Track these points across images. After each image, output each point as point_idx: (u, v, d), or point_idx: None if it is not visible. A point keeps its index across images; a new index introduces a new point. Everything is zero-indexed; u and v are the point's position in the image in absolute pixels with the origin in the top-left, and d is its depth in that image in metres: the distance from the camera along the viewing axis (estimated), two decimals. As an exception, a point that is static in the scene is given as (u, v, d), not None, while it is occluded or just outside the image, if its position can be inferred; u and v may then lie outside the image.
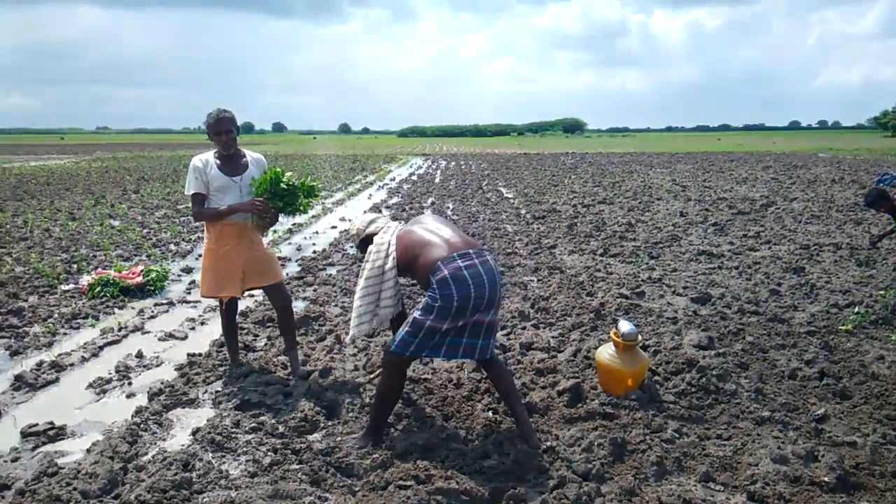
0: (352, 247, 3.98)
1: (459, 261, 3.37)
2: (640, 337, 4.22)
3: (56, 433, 3.84)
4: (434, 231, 3.60)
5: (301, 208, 4.42)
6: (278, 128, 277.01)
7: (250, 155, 4.54)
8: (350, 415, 3.94)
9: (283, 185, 4.28)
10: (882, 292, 6.48)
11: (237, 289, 4.47)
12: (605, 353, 4.22)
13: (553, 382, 4.37)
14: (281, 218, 4.65)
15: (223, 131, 4.30)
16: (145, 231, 11.00)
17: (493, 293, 3.46)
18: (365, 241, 3.90)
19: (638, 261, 8.33)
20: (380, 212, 12.79)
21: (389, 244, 3.66)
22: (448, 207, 14.07)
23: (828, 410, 3.97)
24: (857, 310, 5.91)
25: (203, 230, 4.69)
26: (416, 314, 3.41)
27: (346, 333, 5.37)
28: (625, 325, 4.17)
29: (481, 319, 3.48)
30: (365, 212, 4.37)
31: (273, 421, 3.84)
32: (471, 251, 3.45)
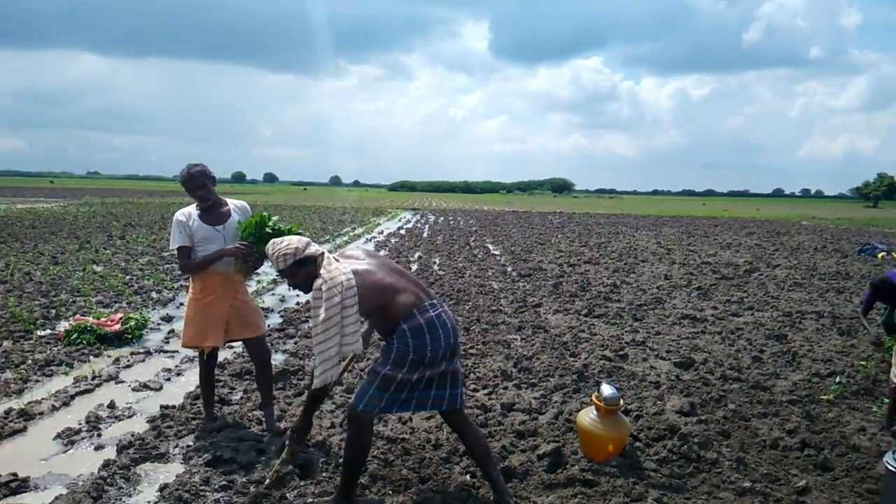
0: (274, 267, 3.48)
1: (431, 310, 3.36)
2: (622, 401, 4.18)
3: (19, 485, 3.71)
4: (396, 274, 3.50)
5: None
6: (270, 178, 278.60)
7: (233, 203, 4.57)
8: (324, 474, 3.83)
9: (268, 230, 4.26)
10: (863, 363, 6.49)
11: (220, 339, 4.42)
12: (587, 417, 4.16)
13: (533, 446, 4.30)
14: (266, 265, 4.64)
15: (196, 186, 4.34)
16: (128, 277, 10.90)
17: (457, 341, 3.47)
18: (299, 264, 3.43)
19: (622, 322, 8.33)
20: None
21: (344, 275, 3.30)
22: (435, 262, 14.09)
23: (809, 482, 3.92)
24: (838, 379, 5.90)
25: (187, 280, 4.67)
26: (386, 369, 3.30)
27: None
28: (607, 389, 4.13)
29: (446, 369, 3.44)
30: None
31: (244, 479, 3.74)
32: (435, 300, 3.46)
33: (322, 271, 3.36)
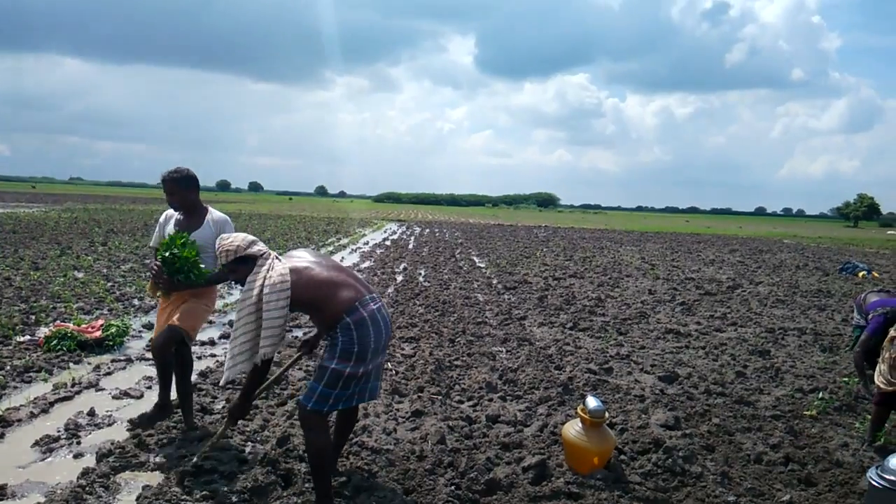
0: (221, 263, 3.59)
1: (371, 304, 3.45)
2: (607, 414, 4.18)
3: (-6, 494, 3.63)
4: (336, 270, 3.57)
5: (190, 279, 4.19)
6: (255, 187, 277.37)
7: (214, 215, 4.49)
8: (307, 485, 3.79)
9: (168, 253, 4.16)
10: (846, 379, 6.54)
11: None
12: (572, 429, 4.16)
13: (518, 458, 4.28)
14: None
15: (167, 192, 4.34)
16: (109, 284, 10.77)
17: (389, 334, 3.60)
18: (240, 261, 3.55)
19: (606, 336, 8.34)
20: None
21: (279, 276, 3.36)
22: (420, 274, 14.07)
23: (793, 497, 3.93)
24: (821, 395, 5.94)
25: None
26: (333, 364, 3.33)
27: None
28: (592, 402, 4.13)
29: (381, 361, 3.60)
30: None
31: (226, 489, 3.68)
32: (374, 294, 3.56)
33: (258, 272, 3.45)
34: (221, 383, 3.52)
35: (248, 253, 3.54)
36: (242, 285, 3.53)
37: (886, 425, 4.93)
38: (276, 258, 3.55)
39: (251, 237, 3.65)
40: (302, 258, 3.59)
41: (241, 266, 3.54)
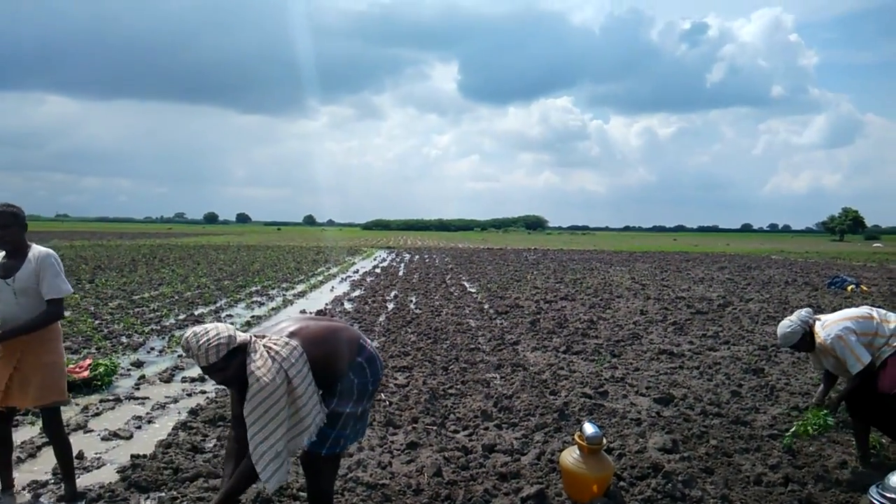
0: (194, 361, 2.91)
1: (368, 339, 3.49)
2: (604, 440, 4.13)
3: (-21, 544, 3.53)
4: (323, 320, 3.51)
5: None
6: (242, 218, 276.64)
7: (36, 251, 3.87)
8: (302, 524, 3.71)
9: None
10: (840, 394, 6.51)
11: None
12: (570, 457, 4.11)
13: (517, 488, 4.22)
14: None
15: (2, 227, 3.76)
16: (97, 322, 10.64)
17: None
18: (232, 354, 2.93)
19: (600, 359, 8.31)
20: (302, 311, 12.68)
21: (285, 347, 2.99)
22: (411, 301, 14.01)
23: (795, 519, 3.89)
24: (817, 412, 5.90)
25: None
26: (348, 408, 3.23)
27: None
28: (589, 428, 4.08)
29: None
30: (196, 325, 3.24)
31: (219, 531, 3.59)
32: None
33: (254, 358, 2.94)
34: (270, 492, 3.12)
35: (240, 342, 2.96)
36: (230, 384, 3.06)
37: (884, 440, 4.91)
38: (255, 337, 3.09)
39: (227, 325, 3.03)
40: (285, 324, 3.23)
41: (233, 360, 2.94)
